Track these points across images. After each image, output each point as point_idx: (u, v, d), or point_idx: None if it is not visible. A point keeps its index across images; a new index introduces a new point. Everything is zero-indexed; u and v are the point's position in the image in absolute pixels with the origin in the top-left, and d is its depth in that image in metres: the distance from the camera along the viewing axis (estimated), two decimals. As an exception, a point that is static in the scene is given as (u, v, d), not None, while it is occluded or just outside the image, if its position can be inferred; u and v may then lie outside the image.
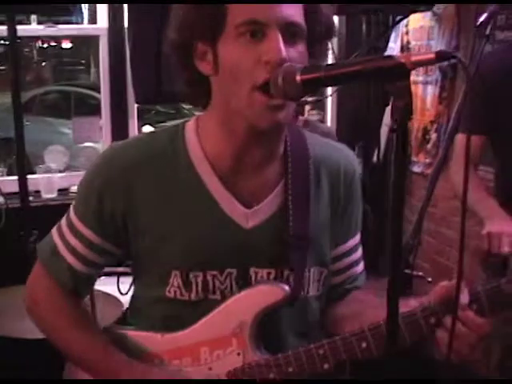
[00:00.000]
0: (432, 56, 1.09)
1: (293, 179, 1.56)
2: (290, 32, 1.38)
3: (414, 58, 1.12)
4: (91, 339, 1.63)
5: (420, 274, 2.17)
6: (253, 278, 1.55)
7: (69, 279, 1.63)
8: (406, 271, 1.92)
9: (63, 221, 1.64)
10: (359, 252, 1.73)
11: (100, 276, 2.86)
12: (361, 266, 1.75)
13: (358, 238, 1.72)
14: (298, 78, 1.28)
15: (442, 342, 1.41)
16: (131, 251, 1.60)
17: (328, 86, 1.29)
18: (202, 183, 1.53)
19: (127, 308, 1.83)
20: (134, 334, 1.65)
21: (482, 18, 2.29)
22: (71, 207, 1.63)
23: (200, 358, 1.57)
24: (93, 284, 1.75)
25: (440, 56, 1.09)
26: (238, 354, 1.55)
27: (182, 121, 1.61)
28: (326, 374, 1.53)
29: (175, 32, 1.47)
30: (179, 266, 1.53)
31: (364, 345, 1.48)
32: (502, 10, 2.40)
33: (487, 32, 2.32)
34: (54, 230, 1.66)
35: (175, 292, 1.55)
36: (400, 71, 1.13)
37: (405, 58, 1.12)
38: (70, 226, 1.61)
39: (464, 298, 1.39)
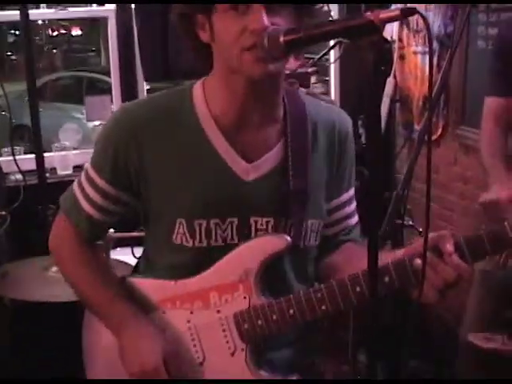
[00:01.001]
0: (397, 12, 1.23)
1: (292, 138, 1.69)
2: (272, 3, 1.52)
3: (382, 15, 1.25)
4: (102, 281, 1.80)
5: (410, 223, 2.29)
6: (253, 227, 1.68)
7: (86, 225, 1.78)
8: (397, 221, 2.05)
9: (82, 174, 1.79)
10: (353, 206, 1.85)
11: (116, 247, 3.01)
12: (354, 219, 1.86)
13: (351, 192, 1.84)
14: (281, 39, 1.43)
15: (430, 282, 1.53)
16: (142, 200, 1.73)
17: (308, 45, 1.44)
18: (207, 138, 1.66)
19: (138, 261, 1.99)
20: (146, 281, 1.79)
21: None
22: (89, 161, 1.77)
23: (209, 302, 1.70)
24: (108, 229, 1.91)
25: (404, 12, 1.23)
26: (245, 297, 1.68)
27: (189, 83, 1.75)
28: (326, 315, 1.65)
29: (178, 6, 1.64)
30: (184, 214, 1.67)
31: (358, 289, 1.60)
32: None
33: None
34: (74, 184, 1.81)
35: (181, 238, 1.68)
36: (370, 27, 1.26)
37: (374, 16, 1.25)
38: (88, 177, 1.76)
39: (449, 246, 1.53)
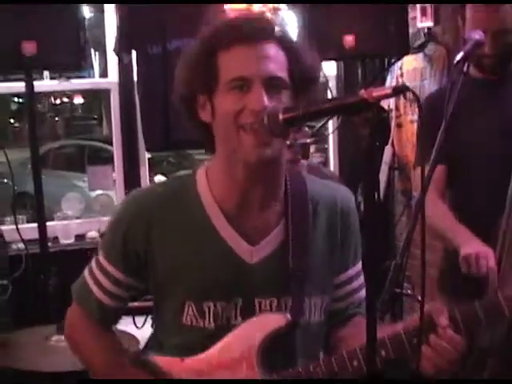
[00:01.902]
0: (389, 91, 1.29)
1: (293, 218, 1.73)
2: (272, 84, 1.60)
3: (374, 94, 1.31)
4: (115, 362, 1.83)
5: (409, 292, 2.31)
6: (257, 307, 1.72)
7: (97, 311, 1.82)
8: (396, 290, 2.08)
9: (93, 262, 1.84)
10: (361, 279, 1.86)
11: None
12: (363, 292, 1.86)
13: (358, 266, 1.85)
14: (281, 117, 1.50)
15: (426, 357, 1.57)
16: (151, 284, 1.78)
17: (306, 121, 1.51)
18: (211, 223, 1.71)
19: (147, 342, 2.02)
20: (155, 358, 1.78)
21: (458, 57, 2.48)
22: (99, 248, 1.83)
23: (215, 378, 1.71)
24: (120, 315, 1.92)
25: (396, 90, 1.29)
26: (247, 375, 1.69)
27: (194, 168, 1.81)
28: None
29: (180, 87, 1.70)
30: (193, 296, 1.71)
31: (355, 363, 1.63)
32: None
33: (464, 69, 2.52)
34: (85, 272, 1.85)
35: (191, 320, 1.72)
36: (364, 105, 1.32)
37: (367, 94, 1.32)
38: (99, 264, 1.81)
39: (443, 319, 1.57)
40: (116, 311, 1.86)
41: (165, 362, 1.77)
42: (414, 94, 1.30)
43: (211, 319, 1.70)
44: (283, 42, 1.65)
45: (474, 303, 1.58)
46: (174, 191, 1.77)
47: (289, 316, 1.69)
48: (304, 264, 1.72)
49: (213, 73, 1.62)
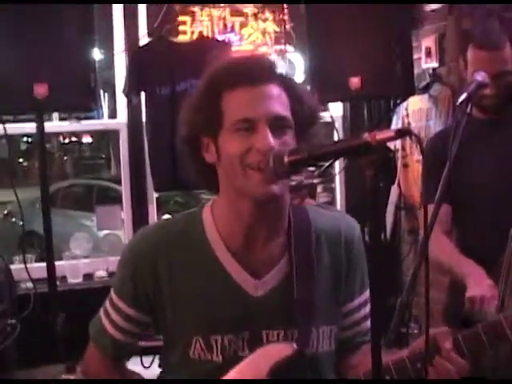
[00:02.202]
0: (392, 134, 1.33)
1: (296, 251, 1.76)
2: (277, 125, 1.63)
3: (378, 137, 1.35)
4: None
5: (416, 331, 2.33)
6: (264, 339, 1.74)
7: (110, 346, 1.87)
8: (402, 330, 2.09)
9: (107, 299, 1.88)
10: (368, 307, 1.85)
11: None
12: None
13: (366, 294, 1.86)
14: (286, 159, 1.53)
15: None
16: (159, 320, 1.81)
17: (311, 165, 1.53)
18: (217, 259, 1.74)
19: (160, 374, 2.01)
20: None
21: (461, 98, 2.52)
22: (112, 286, 1.87)
23: None
24: (133, 350, 1.96)
25: (399, 133, 1.32)
26: None
27: (200, 206, 1.84)
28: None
29: (184, 129, 1.74)
30: (200, 331, 1.74)
31: None
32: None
33: (467, 110, 2.56)
34: (101, 309, 1.90)
35: (199, 354, 1.74)
36: (367, 148, 1.36)
37: (370, 137, 1.35)
38: (112, 303, 1.85)
39: (447, 344, 1.60)
40: (128, 346, 1.90)
41: None
42: (416, 137, 1.34)
43: (219, 352, 1.72)
44: (285, 82, 1.69)
45: (477, 326, 1.63)
46: (181, 228, 1.79)
47: (294, 345, 1.71)
48: (309, 295, 1.74)
49: (217, 115, 1.66)
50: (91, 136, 20.88)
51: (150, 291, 1.77)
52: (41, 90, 3.30)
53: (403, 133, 1.33)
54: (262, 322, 1.74)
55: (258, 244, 1.74)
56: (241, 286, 1.73)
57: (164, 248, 1.76)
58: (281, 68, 1.71)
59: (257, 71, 1.66)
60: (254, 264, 1.74)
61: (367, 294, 1.86)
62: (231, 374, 1.72)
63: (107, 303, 1.87)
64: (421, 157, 4.34)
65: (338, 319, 1.82)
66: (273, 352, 1.72)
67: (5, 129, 3.54)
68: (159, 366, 1.96)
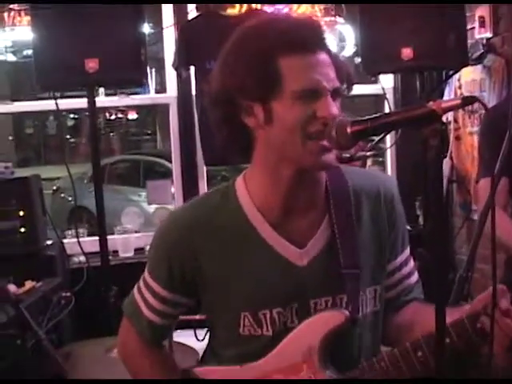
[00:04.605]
0: (458, 101, 1.29)
1: (336, 213, 1.72)
2: (336, 93, 1.60)
3: (443, 105, 1.31)
4: (159, 370, 1.88)
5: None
6: (312, 308, 1.71)
7: (148, 331, 1.84)
8: (462, 303, 2.07)
9: (141, 280, 1.84)
10: (410, 265, 1.86)
11: (177, 329, 3.05)
12: (414, 278, 1.87)
13: (407, 252, 1.85)
14: (349, 129, 1.50)
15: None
16: (202, 301, 1.78)
17: (374, 135, 1.50)
18: (256, 231, 1.70)
19: (203, 355, 2.00)
20: (212, 370, 1.81)
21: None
22: (146, 268, 1.83)
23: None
24: (170, 331, 1.97)
25: (465, 101, 1.29)
26: (310, 377, 1.69)
27: (231, 180, 1.79)
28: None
29: (222, 89, 1.64)
30: (248, 307, 1.71)
31: (420, 353, 1.62)
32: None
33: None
34: (135, 289, 1.86)
35: (249, 330, 1.72)
36: (432, 116, 1.32)
37: (436, 105, 1.31)
38: (146, 285, 1.82)
39: (505, 300, 1.55)
40: (166, 328, 1.88)
41: (223, 371, 1.78)
42: (482, 103, 1.30)
43: (269, 326, 1.70)
44: (330, 51, 1.64)
45: None
46: (215, 204, 1.74)
47: (346, 312, 1.68)
48: (355, 260, 1.71)
49: (273, 80, 1.58)
50: (137, 112, 21.04)
51: (188, 273, 1.73)
52: (92, 65, 3.33)
53: (469, 100, 1.29)
54: (309, 291, 1.71)
55: (297, 212, 1.70)
56: (285, 257, 1.70)
57: (199, 225, 1.72)
58: (330, 39, 1.67)
59: (312, 38, 1.61)
60: (295, 232, 1.71)
61: (408, 251, 1.85)
62: (281, 346, 1.70)
63: (141, 285, 1.83)
64: (474, 129, 4.29)
65: (381, 278, 1.79)
66: (324, 321, 1.69)
67: (57, 104, 3.57)
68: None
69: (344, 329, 1.69)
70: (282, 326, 1.70)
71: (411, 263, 1.86)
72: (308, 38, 1.60)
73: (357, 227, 1.73)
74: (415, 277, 1.87)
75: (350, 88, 1.69)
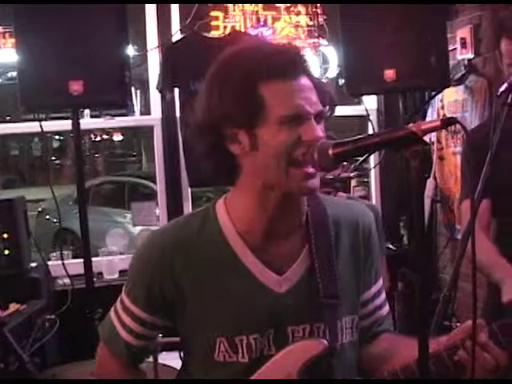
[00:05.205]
0: (438, 123, 1.31)
1: (316, 242, 1.72)
2: (317, 116, 1.61)
3: (423, 127, 1.33)
4: None
5: (458, 325, 2.30)
6: (290, 336, 1.70)
7: (125, 352, 1.82)
8: (445, 323, 2.07)
9: (118, 302, 1.82)
10: (382, 296, 1.87)
11: (162, 351, 3.04)
12: (385, 309, 1.88)
13: (380, 283, 1.87)
14: (331, 151, 1.51)
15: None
16: (178, 323, 1.76)
17: (356, 156, 1.51)
18: (236, 256, 1.69)
19: (178, 373, 1.95)
20: None
21: (502, 88, 2.48)
22: (123, 290, 1.80)
23: None
24: (149, 352, 1.93)
25: (444, 122, 1.30)
26: None
27: (210, 203, 1.78)
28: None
29: (207, 116, 1.63)
30: (224, 332, 1.69)
31: None
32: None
33: (508, 100, 2.52)
34: (111, 311, 1.84)
35: (224, 356, 1.70)
36: (413, 138, 1.33)
37: (416, 127, 1.33)
38: (124, 307, 1.78)
39: (484, 334, 1.58)
40: (143, 349, 1.85)
41: None
42: (461, 125, 1.32)
43: (245, 353, 1.68)
44: (311, 75, 1.66)
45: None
46: (196, 226, 1.73)
47: (325, 342, 1.68)
48: (334, 290, 1.71)
49: (256, 106, 1.58)
50: (122, 134, 21.02)
51: (168, 296, 1.71)
52: (76, 87, 3.33)
53: (449, 122, 1.31)
54: (287, 319, 1.70)
55: (279, 237, 1.70)
56: (263, 283, 1.69)
57: (179, 246, 1.70)
58: (313, 61, 1.69)
59: (293, 63, 1.62)
60: (275, 259, 1.70)
61: (380, 283, 1.86)
62: (259, 373, 1.69)
63: (119, 307, 1.80)
64: (457, 149, 4.33)
65: (358, 308, 1.80)
66: (304, 349, 1.69)
67: (41, 126, 3.57)
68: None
69: (322, 358, 1.69)
70: (258, 354, 1.69)
71: (383, 295, 1.88)
72: (289, 64, 1.61)
73: (335, 257, 1.74)
74: (386, 308, 1.89)
75: (332, 110, 1.70)
